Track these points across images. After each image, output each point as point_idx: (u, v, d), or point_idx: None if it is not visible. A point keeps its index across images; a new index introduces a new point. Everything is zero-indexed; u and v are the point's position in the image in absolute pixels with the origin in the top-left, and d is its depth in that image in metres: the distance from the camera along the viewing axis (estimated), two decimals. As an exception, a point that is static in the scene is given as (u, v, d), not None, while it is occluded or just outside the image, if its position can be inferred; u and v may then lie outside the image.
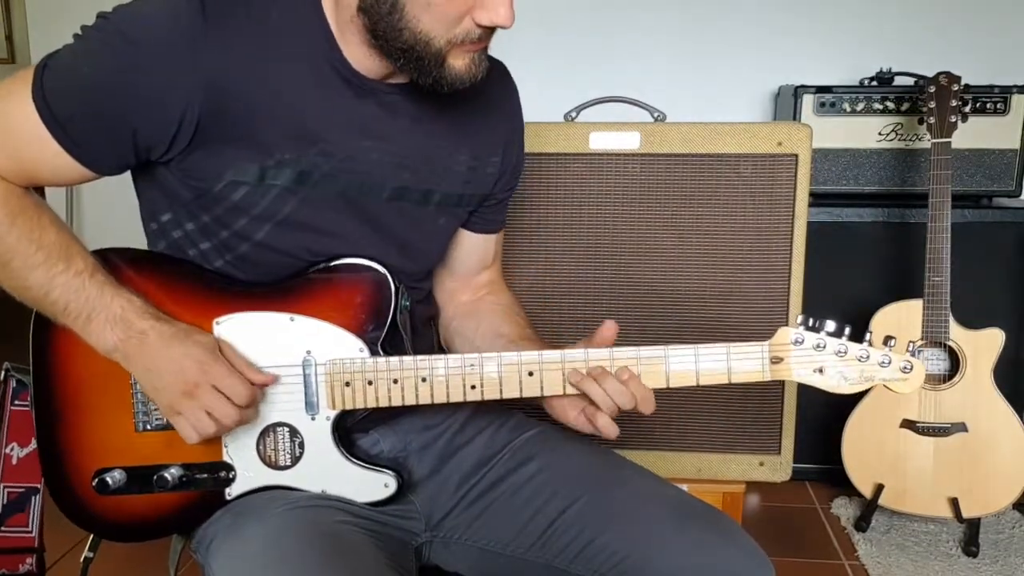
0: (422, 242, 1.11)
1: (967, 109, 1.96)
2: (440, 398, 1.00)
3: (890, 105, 2.15)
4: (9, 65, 4.65)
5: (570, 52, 2.53)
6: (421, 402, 1.00)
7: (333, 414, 1.01)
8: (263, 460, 1.02)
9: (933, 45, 2.42)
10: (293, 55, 0.95)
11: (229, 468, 1.02)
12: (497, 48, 1.00)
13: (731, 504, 1.62)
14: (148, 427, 1.01)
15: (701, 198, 1.54)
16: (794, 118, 2.18)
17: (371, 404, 1.00)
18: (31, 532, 1.52)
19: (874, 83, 2.25)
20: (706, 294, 1.56)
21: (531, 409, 1.13)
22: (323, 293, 1.01)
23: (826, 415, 2.07)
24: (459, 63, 0.93)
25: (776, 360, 0.96)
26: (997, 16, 2.42)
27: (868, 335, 0.96)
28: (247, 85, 0.92)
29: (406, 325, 1.06)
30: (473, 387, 0.99)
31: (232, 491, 1.02)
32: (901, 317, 1.96)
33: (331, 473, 1.02)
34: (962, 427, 1.96)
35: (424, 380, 0.99)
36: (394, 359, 1.00)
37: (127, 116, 0.91)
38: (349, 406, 1.00)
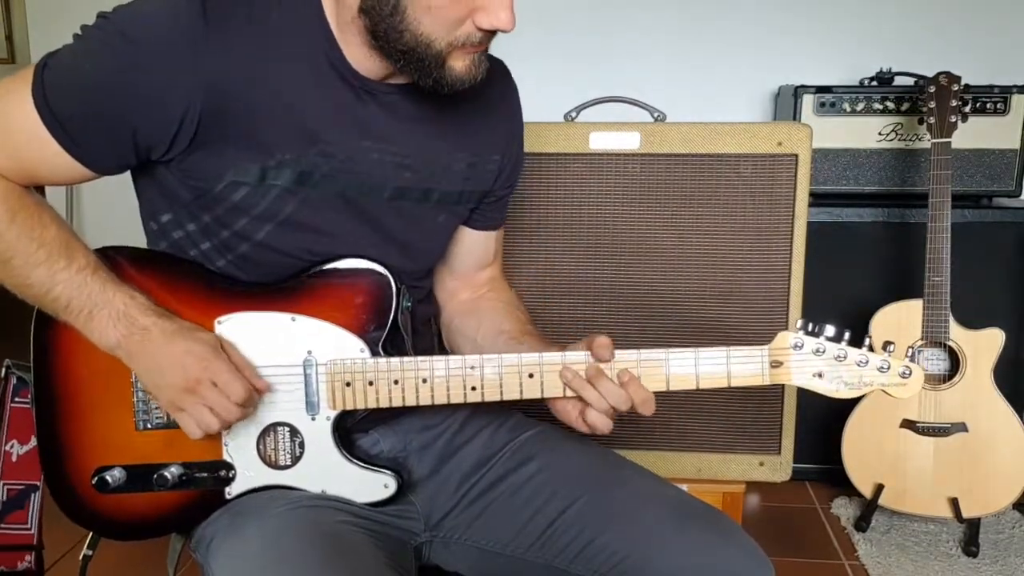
0: (422, 241, 1.11)
1: (967, 109, 1.96)
2: (441, 399, 1.00)
3: (890, 105, 2.15)
4: (9, 65, 4.65)
5: (570, 52, 2.53)
6: (422, 403, 1.00)
7: (333, 414, 1.01)
8: (263, 460, 1.02)
9: (933, 45, 2.42)
10: (293, 55, 0.95)
11: (229, 467, 1.02)
12: (497, 48, 1.00)
13: (731, 504, 1.62)
14: (148, 426, 1.02)
15: (701, 198, 1.54)
16: (794, 118, 2.18)
17: (371, 404, 1.00)
18: (30, 529, 1.52)
19: (874, 83, 2.25)
20: (706, 294, 1.56)
21: (531, 409, 1.13)
22: (324, 293, 1.01)
23: (826, 415, 2.07)
24: (459, 65, 0.93)
25: (776, 364, 0.97)
26: (997, 16, 2.42)
27: (867, 339, 0.96)
28: (248, 85, 0.92)
29: (407, 325, 1.06)
30: (473, 388, 0.99)
31: (232, 490, 1.02)
32: (901, 317, 1.96)
33: (331, 473, 1.02)
34: (962, 427, 1.96)
35: (425, 381, 0.99)
36: (395, 360, 1.00)
37: (127, 116, 0.91)
38: (350, 406, 1.00)
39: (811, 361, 0.96)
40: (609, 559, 0.99)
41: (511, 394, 0.99)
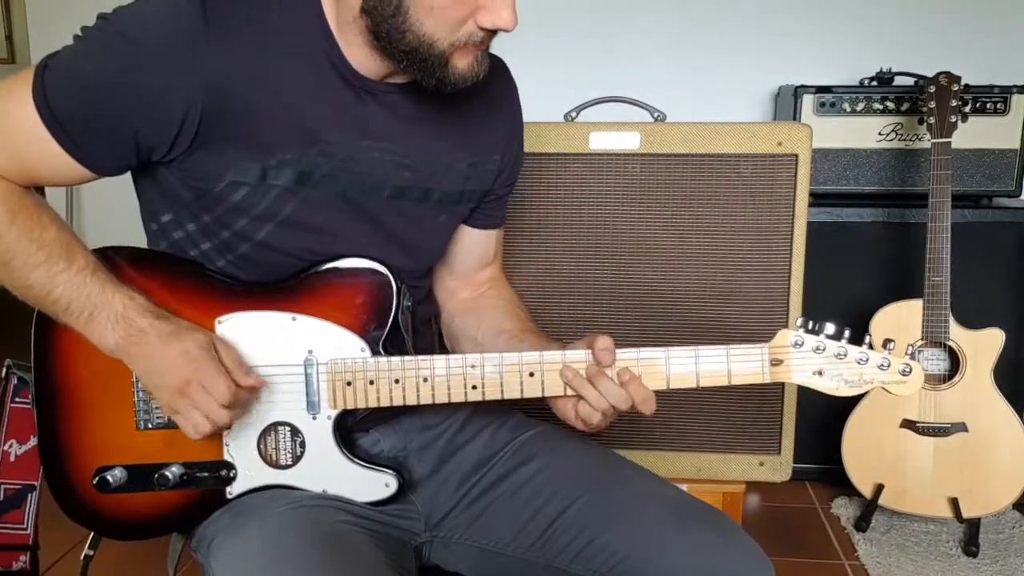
0: (423, 240, 1.11)
1: (967, 109, 1.96)
2: (441, 398, 1.00)
3: (890, 105, 2.15)
4: (9, 65, 4.65)
5: (570, 53, 2.53)
6: (422, 402, 1.00)
7: (334, 414, 1.01)
8: (264, 459, 1.02)
9: (933, 45, 2.42)
10: (293, 55, 0.95)
11: (230, 467, 1.02)
12: (497, 48, 1.00)
13: (731, 504, 1.62)
14: (149, 425, 1.02)
15: (701, 198, 1.54)
16: (794, 118, 2.18)
17: (372, 404, 1.00)
18: (26, 529, 1.52)
19: (874, 83, 2.25)
20: (706, 294, 1.56)
21: (531, 409, 1.13)
22: (325, 293, 1.01)
23: (826, 415, 2.07)
24: (462, 63, 0.93)
25: (776, 362, 0.97)
26: (997, 16, 2.42)
27: (868, 338, 0.96)
28: (248, 85, 0.93)
29: (407, 325, 1.06)
30: (474, 387, 0.99)
31: (233, 490, 1.02)
32: (901, 317, 1.96)
33: (332, 473, 1.02)
34: (962, 427, 1.96)
35: (425, 380, 0.99)
36: (395, 359, 1.00)
37: (127, 116, 0.91)
38: (350, 406, 1.00)
39: (811, 359, 0.96)
40: (609, 559, 0.99)
41: (512, 393, 1.00)
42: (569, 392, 0.99)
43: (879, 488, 2.01)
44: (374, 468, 1.02)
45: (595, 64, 2.53)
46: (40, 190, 0.98)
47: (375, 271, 1.01)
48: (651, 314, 1.58)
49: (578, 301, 1.59)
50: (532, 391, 1.00)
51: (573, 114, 1.63)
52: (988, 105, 2.13)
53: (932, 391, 1.96)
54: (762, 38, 2.50)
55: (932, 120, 1.94)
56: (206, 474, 1.02)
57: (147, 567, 1.76)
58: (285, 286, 1.01)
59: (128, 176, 1.02)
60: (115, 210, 1.81)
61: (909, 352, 0.96)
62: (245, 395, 0.96)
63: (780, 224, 1.54)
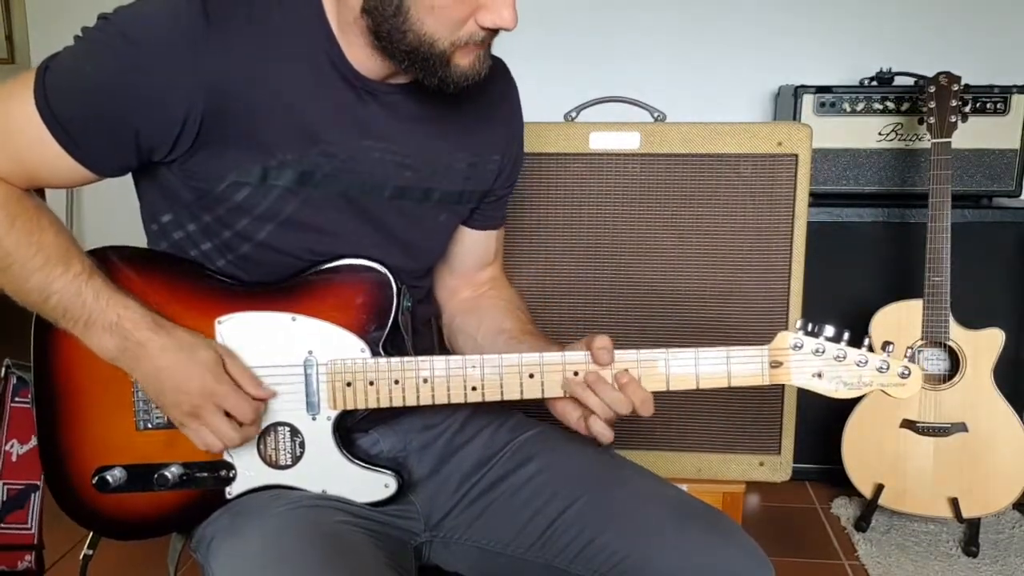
0: (423, 240, 1.11)
1: (967, 109, 1.96)
2: (441, 399, 1.00)
3: (890, 105, 2.15)
4: (9, 65, 4.65)
5: (570, 52, 2.53)
6: (422, 403, 1.00)
7: (334, 414, 1.01)
8: (264, 459, 1.02)
9: (933, 45, 2.42)
10: (294, 55, 0.95)
11: (230, 467, 1.02)
12: (497, 48, 1.00)
13: (731, 504, 1.62)
14: (149, 425, 1.02)
15: (701, 198, 1.54)
16: (794, 118, 2.18)
17: (372, 404, 1.00)
18: (30, 529, 1.53)
19: (874, 83, 2.25)
20: (706, 294, 1.57)
21: (531, 409, 1.13)
22: (325, 293, 1.01)
23: (826, 415, 2.07)
24: (464, 62, 0.93)
25: (775, 364, 0.97)
26: (997, 16, 2.42)
27: (867, 340, 0.96)
28: (248, 85, 0.92)
29: (407, 326, 1.06)
30: (474, 388, 0.99)
31: (232, 490, 1.02)
32: (901, 317, 1.96)
33: (331, 473, 1.02)
34: (962, 427, 1.96)
35: (425, 381, 0.99)
36: (395, 360, 1.00)
37: (128, 117, 0.91)
38: (350, 406, 1.00)
39: (811, 361, 0.96)
40: (609, 559, 0.99)
41: (511, 394, 0.99)
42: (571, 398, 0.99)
43: (879, 488, 2.01)
44: (374, 468, 1.02)
45: (595, 63, 2.53)
46: (40, 192, 0.98)
47: (375, 271, 1.01)
48: (651, 314, 1.58)
49: (578, 301, 1.59)
50: (532, 392, 0.99)
51: (573, 114, 1.63)
52: (988, 105, 2.13)
53: (932, 391, 1.96)
54: (762, 37, 2.49)
55: (932, 120, 1.94)
56: (206, 474, 1.02)
57: (147, 567, 1.76)
58: (285, 286, 1.01)
59: (128, 176, 1.02)
60: (115, 210, 1.81)
61: (908, 354, 0.96)
62: (262, 407, 0.97)
63: (780, 224, 1.54)
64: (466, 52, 0.93)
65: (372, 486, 1.03)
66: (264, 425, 1.01)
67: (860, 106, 2.16)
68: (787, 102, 2.25)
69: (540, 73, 2.17)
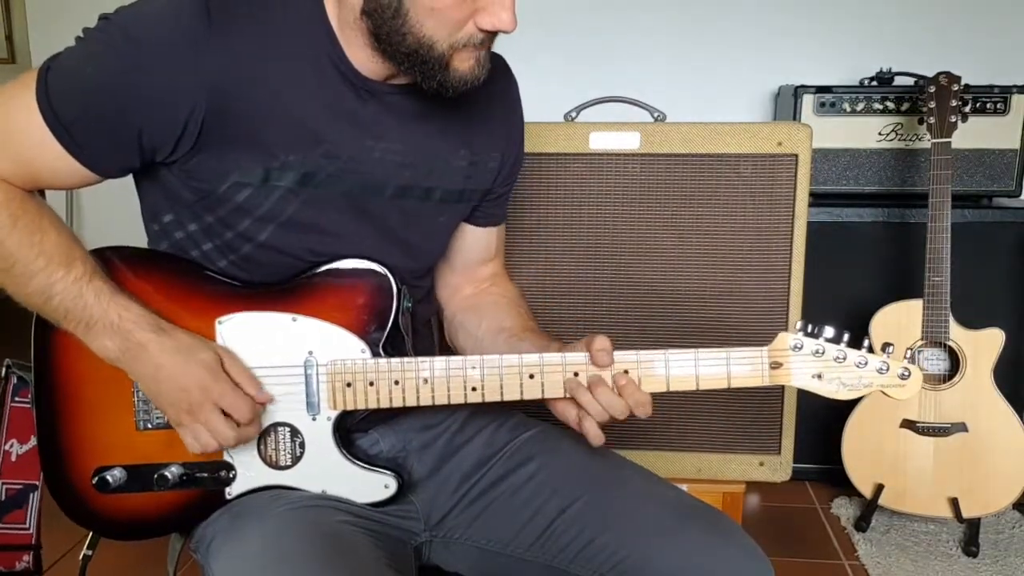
0: (424, 240, 1.11)
1: (967, 109, 1.96)
2: (441, 399, 1.00)
3: (890, 105, 2.15)
4: (9, 65, 4.64)
5: (570, 52, 2.53)
6: (422, 403, 1.00)
7: (334, 414, 1.01)
8: (264, 460, 1.02)
9: (933, 45, 2.42)
10: (295, 56, 0.95)
11: (229, 467, 1.02)
12: (497, 48, 1.00)
13: (731, 504, 1.62)
14: (149, 426, 1.02)
15: (701, 198, 1.54)
16: (794, 118, 2.18)
17: (372, 405, 1.00)
18: (29, 529, 1.52)
19: (874, 83, 2.25)
20: (706, 294, 1.57)
21: (531, 409, 1.13)
22: (325, 294, 1.01)
23: (826, 415, 2.07)
24: (464, 66, 0.93)
25: (775, 365, 0.97)
26: (997, 16, 2.42)
27: (867, 341, 0.97)
28: (249, 86, 0.92)
29: (407, 326, 1.06)
30: (474, 389, 0.99)
31: (232, 490, 1.02)
32: (901, 317, 1.96)
33: (331, 473, 1.02)
34: (962, 427, 1.96)
35: (425, 381, 0.99)
36: (395, 360, 1.00)
37: (130, 117, 0.91)
38: (350, 407, 1.00)
39: (810, 362, 0.96)
40: (609, 559, 0.99)
41: (511, 395, 1.00)
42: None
43: (879, 488, 2.01)
44: (374, 469, 1.02)
45: (595, 63, 2.53)
46: (41, 192, 0.98)
47: (375, 272, 1.01)
48: (651, 314, 1.58)
49: (578, 301, 1.59)
50: (532, 393, 0.99)
51: (573, 114, 1.63)
52: (988, 105, 2.13)
53: (932, 391, 1.96)
54: (762, 38, 2.49)
55: (932, 120, 1.94)
56: (205, 474, 1.02)
57: (147, 567, 1.76)
58: (285, 287, 1.01)
59: (129, 177, 1.02)
60: (116, 212, 1.81)
61: (908, 356, 0.97)
62: (260, 408, 0.97)
63: (780, 224, 1.54)
64: (465, 55, 0.93)
65: (372, 486, 1.03)
66: (264, 425, 1.01)
67: (860, 106, 2.16)
68: (787, 102, 2.25)
69: (540, 73, 2.17)
